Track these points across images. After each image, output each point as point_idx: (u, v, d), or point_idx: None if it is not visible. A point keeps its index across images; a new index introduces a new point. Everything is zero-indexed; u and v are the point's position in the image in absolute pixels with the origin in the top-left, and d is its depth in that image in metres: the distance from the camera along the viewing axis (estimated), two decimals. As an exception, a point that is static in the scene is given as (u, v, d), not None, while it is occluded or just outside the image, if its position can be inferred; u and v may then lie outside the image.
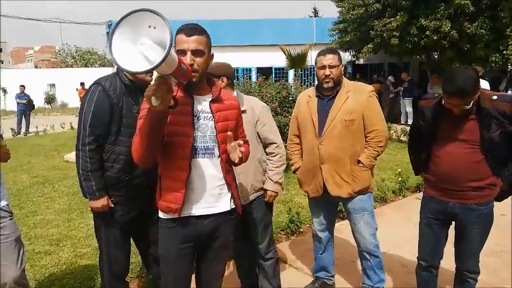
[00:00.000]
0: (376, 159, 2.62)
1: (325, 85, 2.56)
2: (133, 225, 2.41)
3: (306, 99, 2.71)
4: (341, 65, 2.57)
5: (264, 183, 2.56)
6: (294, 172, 2.87)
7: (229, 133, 1.72)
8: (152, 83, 1.40)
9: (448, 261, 2.47)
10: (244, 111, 2.43)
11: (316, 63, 2.61)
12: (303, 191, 2.89)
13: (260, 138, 2.53)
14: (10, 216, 2.20)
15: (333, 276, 2.98)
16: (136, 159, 1.64)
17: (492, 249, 3.32)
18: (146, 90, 1.40)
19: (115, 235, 2.34)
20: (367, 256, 2.72)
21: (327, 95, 2.61)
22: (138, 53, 1.31)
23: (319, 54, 2.61)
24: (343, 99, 2.55)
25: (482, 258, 2.33)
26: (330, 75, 2.52)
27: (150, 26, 1.30)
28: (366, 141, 2.60)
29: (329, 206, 2.83)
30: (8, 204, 2.22)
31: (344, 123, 2.52)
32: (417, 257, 2.51)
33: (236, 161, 1.74)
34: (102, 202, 2.22)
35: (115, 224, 2.31)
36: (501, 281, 3.05)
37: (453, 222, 2.36)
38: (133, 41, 1.31)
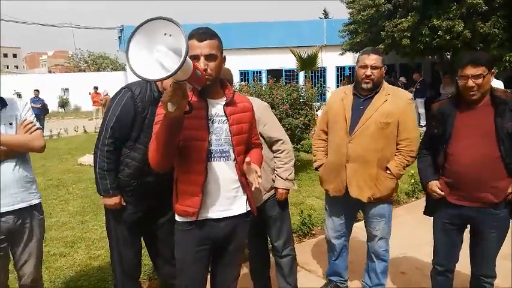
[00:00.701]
0: (404, 169, 2.54)
1: (364, 85, 2.49)
2: (143, 226, 2.45)
3: (341, 96, 2.63)
4: (383, 68, 2.49)
5: (274, 182, 2.54)
6: (316, 169, 2.79)
7: (247, 159, 1.74)
8: (168, 89, 1.41)
9: (460, 263, 2.43)
10: None
11: (358, 61, 2.54)
12: (323, 189, 2.82)
13: (264, 138, 2.51)
14: (39, 216, 2.30)
15: (346, 281, 2.95)
16: (153, 164, 1.66)
17: (506, 253, 3.25)
18: (162, 96, 1.42)
19: (123, 233, 2.40)
20: (374, 258, 2.71)
21: (364, 95, 2.53)
22: (154, 60, 1.33)
23: (362, 53, 2.53)
24: (381, 101, 2.48)
25: (497, 262, 2.28)
26: (370, 75, 2.44)
27: (165, 34, 1.31)
28: (397, 149, 2.52)
29: (348, 209, 2.74)
30: (40, 203, 2.32)
31: (379, 125, 2.45)
32: (432, 261, 2.47)
33: (252, 188, 1.76)
34: (115, 200, 2.30)
35: (123, 222, 2.38)
36: (518, 285, 2.99)
37: (468, 226, 2.32)
38: (149, 48, 1.33)
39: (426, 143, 2.42)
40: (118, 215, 2.35)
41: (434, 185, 2.28)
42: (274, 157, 2.55)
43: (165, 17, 1.30)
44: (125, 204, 2.34)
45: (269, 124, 2.50)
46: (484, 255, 2.26)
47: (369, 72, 2.44)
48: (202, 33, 1.67)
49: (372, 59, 2.45)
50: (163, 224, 2.44)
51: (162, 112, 1.52)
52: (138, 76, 1.29)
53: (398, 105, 2.48)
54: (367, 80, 2.46)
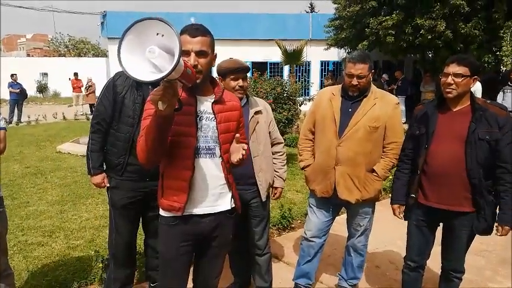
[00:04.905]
0: (390, 171, 2.60)
1: (350, 93, 2.52)
2: (138, 214, 2.57)
3: (329, 97, 2.63)
4: (370, 74, 2.48)
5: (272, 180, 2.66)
6: (303, 169, 2.79)
7: (237, 135, 1.74)
8: (158, 87, 1.40)
9: (430, 260, 2.52)
10: (260, 112, 2.56)
11: (345, 66, 2.53)
12: (303, 183, 2.89)
13: (271, 138, 2.66)
14: None
15: (311, 285, 2.92)
16: (142, 161, 1.65)
17: (476, 248, 3.40)
18: (152, 94, 1.41)
19: (116, 218, 2.54)
20: (352, 252, 2.77)
21: (352, 97, 2.55)
22: (146, 60, 1.33)
23: (349, 60, 2.49)
24: (370, 105, 2.50)
25: (466, 256, 2.39)
26: (357, 85, 2.45)
27: (158, 34, 1.32)
28: (383, 151, 2.57)
29: (334, 208, 2.76)
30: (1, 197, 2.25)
31: (367, 129, 2.47)
32: (405, 257, 2.54)
33: (235, 162, 1.72)
34: (97, 179, 2.52)
35: (117, 206, 2.51)
36: (484, 280, 3.14)
37: (441, 224, 2.41)
38: (141, 49, 1.33)
39: (409, 144, 2.45)
40: (112, 198, 2.52)
41: (396, 209, 2.49)
42: (273, 157, 2.68)
43: (157, 17, 1.30)
44: (108, 185, 2.51)
45: (275, 126, 2.66)
46: (455, 252, 2.36)
47: (355, 82, 2.44)
48: (195, 29, 1.67)
49: (359, 69, 2.42)
50: (154, 217, 2.45)
51: (151, 107, 1.51)
52: (132, 77, 1.29)
53: (386, 110, 2.51)
54: (354, 89, 2.49)
